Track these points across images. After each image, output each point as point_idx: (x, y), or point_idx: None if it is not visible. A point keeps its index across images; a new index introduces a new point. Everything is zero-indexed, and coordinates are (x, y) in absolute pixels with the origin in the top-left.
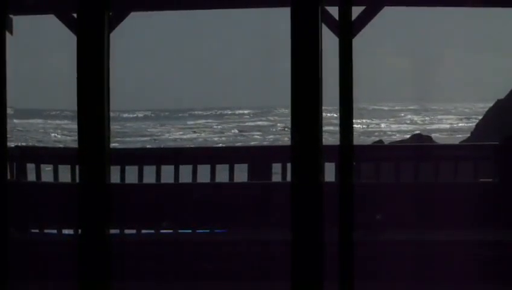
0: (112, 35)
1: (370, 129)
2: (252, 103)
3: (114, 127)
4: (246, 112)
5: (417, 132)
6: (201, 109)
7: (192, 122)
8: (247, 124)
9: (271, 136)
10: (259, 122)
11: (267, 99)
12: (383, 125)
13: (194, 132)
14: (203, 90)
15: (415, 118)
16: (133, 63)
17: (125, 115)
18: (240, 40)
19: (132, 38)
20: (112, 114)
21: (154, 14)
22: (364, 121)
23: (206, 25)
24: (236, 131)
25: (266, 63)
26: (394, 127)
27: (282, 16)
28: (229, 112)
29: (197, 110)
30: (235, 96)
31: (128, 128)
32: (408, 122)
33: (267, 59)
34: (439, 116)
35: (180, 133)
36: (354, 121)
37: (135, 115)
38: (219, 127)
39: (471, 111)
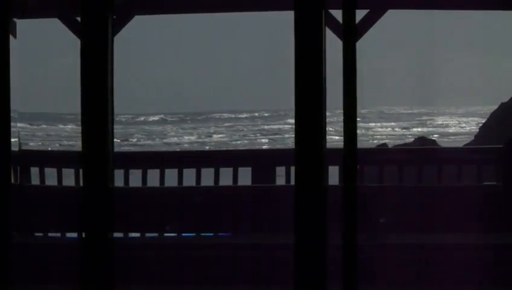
0: (116, 38)
1: (396, 133)
2: (264, 106)
3: (131, 130)
4: (257, 114)
5: (431, 136)
6: (215, 112)
7: (214, 126)
8: (269, 126)
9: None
10: (283, 126)
11: (276, 102)
12: (417, 129)
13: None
14: (212, 93)
15: (449, 121)
16: (139, 66)
17: (142, 119)
18: (244, 42)
19: (137, 42)
20: (124, 118)
21: (158, 18)
22: (392, 124)
23: (206, 28)
24: (259, 135)
25: (272, 66)
26: (419, 130)
27: (284, 20)
28: (246, 115)
29: (207, 113)
30: (244, 99)
31: (146, 132)
32: (444, 124)
33: (274, 62)
34: (463, 118)
35: (203, 136)
36: (375, 124)
37: (149, 119)
38: (245, 129)
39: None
